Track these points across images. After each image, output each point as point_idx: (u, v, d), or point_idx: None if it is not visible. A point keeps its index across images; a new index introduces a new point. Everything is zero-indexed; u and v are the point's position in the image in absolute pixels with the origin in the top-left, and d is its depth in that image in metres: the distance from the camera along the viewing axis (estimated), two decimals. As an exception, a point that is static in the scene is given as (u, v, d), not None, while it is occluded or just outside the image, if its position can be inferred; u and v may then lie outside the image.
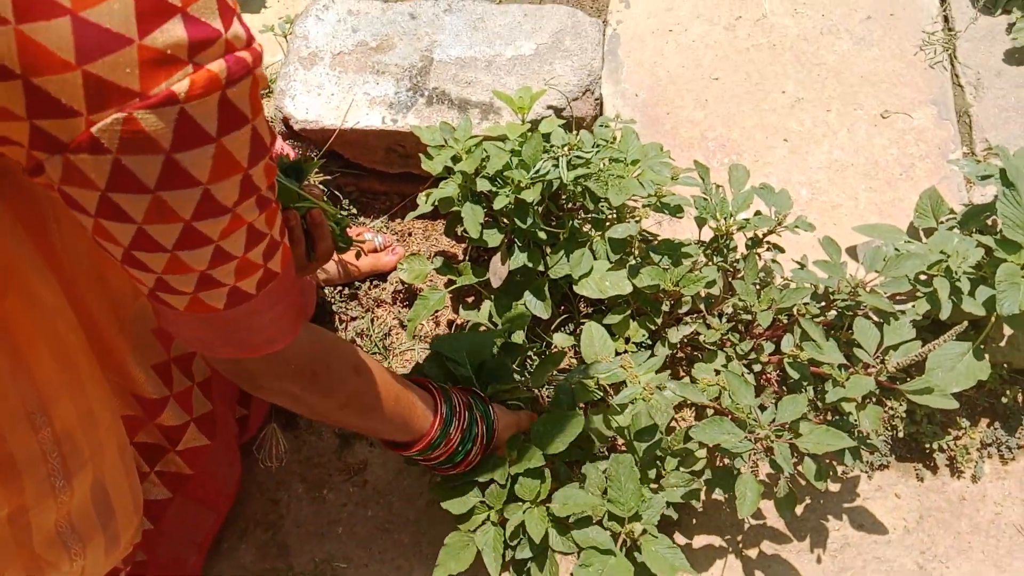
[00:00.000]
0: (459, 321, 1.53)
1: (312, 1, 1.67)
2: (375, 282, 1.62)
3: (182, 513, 1.27)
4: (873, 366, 1.11)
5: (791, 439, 1.09)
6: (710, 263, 1.32)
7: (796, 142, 1.60)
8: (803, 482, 1.31)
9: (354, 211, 1.66)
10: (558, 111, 1.53)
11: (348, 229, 1.65)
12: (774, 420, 1.09)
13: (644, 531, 1.07)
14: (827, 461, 1.19)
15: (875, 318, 1.25)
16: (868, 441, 1.15)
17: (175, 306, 0.66)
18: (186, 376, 1.13)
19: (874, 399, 1.24)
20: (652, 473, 1.18)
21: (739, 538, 1.31)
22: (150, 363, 1.04)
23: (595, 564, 1.04)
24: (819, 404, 1.25)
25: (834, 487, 1.33)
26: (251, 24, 1.92)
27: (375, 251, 1.62)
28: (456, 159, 1.33)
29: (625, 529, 1.08)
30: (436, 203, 1.35)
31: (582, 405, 1.28)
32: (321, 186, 1.65)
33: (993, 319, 1.22)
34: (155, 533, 1.25)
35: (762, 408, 1.14)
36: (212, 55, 0.53)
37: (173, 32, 0.50)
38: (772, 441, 1.07)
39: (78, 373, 0.83)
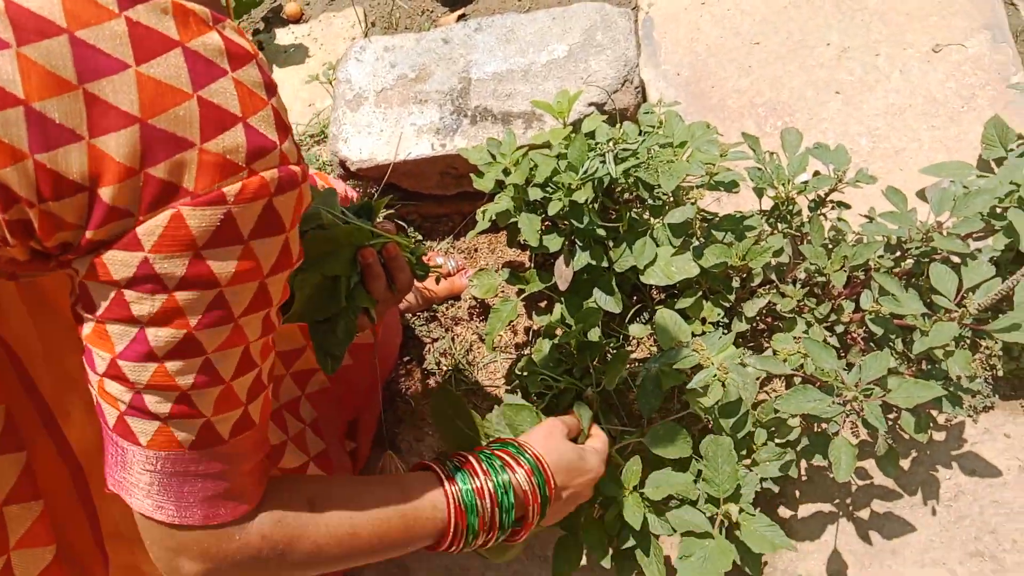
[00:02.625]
0: (535, 327, 1.56)
1: (349, 45, 1.74)
2: (451, 303, 1.67)
3: None
4: (955, 311, 1.08)
5: (881, 396, 1.07)
6: (775, 232, 1.31)
7: (849, 93, 1.56)
8: (905, 436, 1.29)
9: (420, 237, 1.71)
10: (600, 106, 1.55)
11: (423, 257, 1.72)
12: (859, 380, 1.08)
13: (741, 510, 1.07)
14: (926, 412, 1.16)
15: (955, 260, 1.22)
16: (965, 386, 1.12)
17: (137, 439, 0.61)
18: (297, 419, 1.19)
19: (966, 343, 1.21)
20: (744, 451, 1.18)
21: (848, 501, 1.29)
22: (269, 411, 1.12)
23: (696, 551, 1.05)
24: (909, 356, 1.22)
25: (939, 436, 1.30)
26: (297, 75, 2.01)
27: (449, 275, 1.67)
28: (506, 172, 1.36)
29: (722, 510, 1.08)
30: (493, 218, 1.39)
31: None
32: (390, 221, 1.71)
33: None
34: None
35: (848, 368, 1.12)
36: (267, 164, 0.55)
37: (234, 138, 0.53)
38: (861, 401, 1.06)
39: None
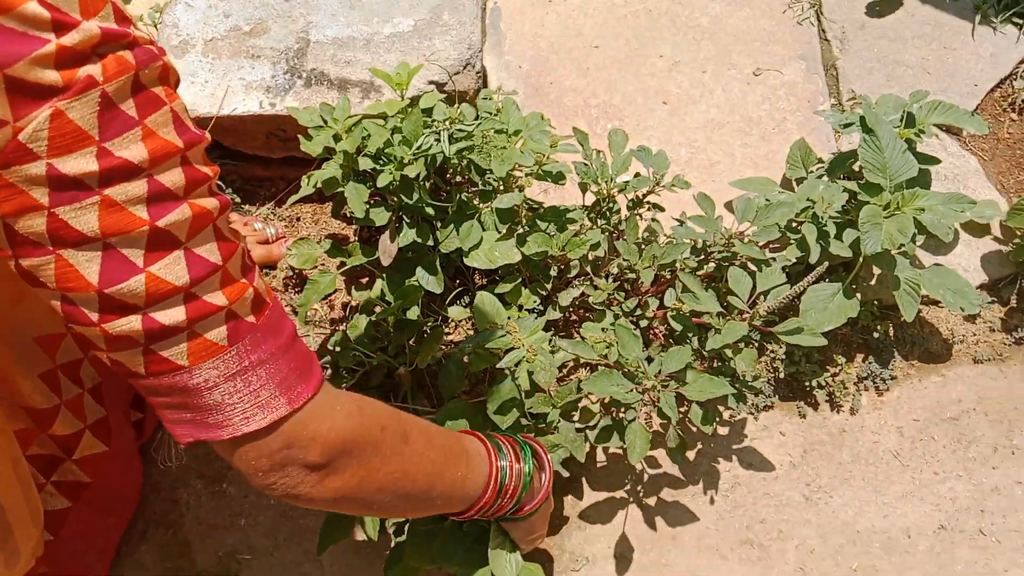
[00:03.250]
0: (353, 303, 1.53)
1: (181, -14, 1.63)
2: (266, 271, 1.60)
3: (83, 522, 1.25)
4: (747, 312, 1.16)
5: (677, 388, 1.14)
6: (594, 227, 1.36)
7: (675, 104, 1.65)
8: (693, 428, 1.37)
9: (238, 200, 1.64)
10: (440, 86, 1.54)
11: (233, 215, 1.64)
12: (660, 372, 1.14)
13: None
14: (713, 407, 1.24)
15: (752, 267, 1.31)
16: (750, 384, 1.21)
17: (179, 364, 0.60)
18: (75, 383, 1.10)
19: (755, 344, 1.31)
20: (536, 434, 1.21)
21: (639, 488, 1.36)
22: (36, 372, 1.02)
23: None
24: (703, 353, 1.30)
25: (724, 431, 1.40)
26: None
27: (266, 241, 1.60)
28: (336, 139, 1.33)
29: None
30: (319, 185, 1.35)
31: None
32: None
33: (861, 259, 1.29)
34: (56, 544, 1.22)
35: (649, 360, 1.18)
36: (121, 46, 0.56)
37: (87, 31, 0.53)
38: (659, 391, 1.12)
39: None
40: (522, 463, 0.97)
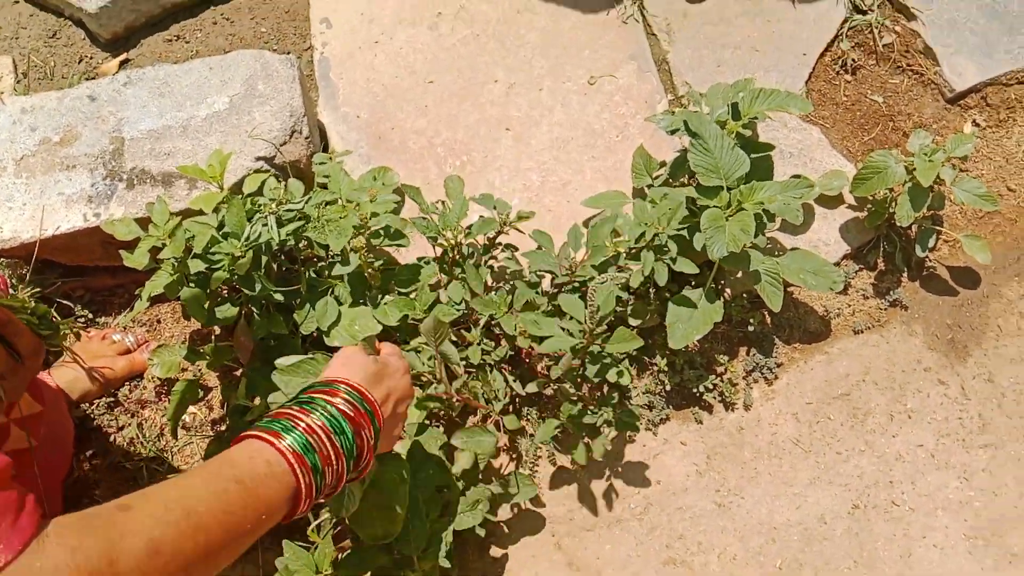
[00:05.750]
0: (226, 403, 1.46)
1: (-23, 107, 1.53)
2: (136, 383, 1.52)
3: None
4: (586, 330, 1.12)
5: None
6: (452, 278, 1.31)
7: (518, 129, 1.61)
8: (599, 459, 1.34)
9: (88, 315, 1.54)
10: (270, 160, 1.47)
11: (90, 331, 1.55)
12: (533, 446, 1.10)
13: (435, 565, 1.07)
14: (594, 438, 1.22)
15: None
16: (627, 407, 1.18)
17: None
18: None
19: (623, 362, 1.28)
20: (438, 507, 1.17)
21: (553, 533, 1.33)
22: None
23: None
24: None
25: (628, 453, 1.37)
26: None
27: (127, 352, 1.52)
28: (161, 247, 1.25)
29: (417, 574, 1.07)
30: (157, 293, 1.27)
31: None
32: (50, 300, 1.52)
33: (716, 264, 1.27)
34: None
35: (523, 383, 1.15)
36: None
37: None
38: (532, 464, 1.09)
39: None
40: (337, 444, 0.81)
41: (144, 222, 1.29)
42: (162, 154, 1.46)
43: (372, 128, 1.66)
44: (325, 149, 1.66)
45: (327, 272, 1.35)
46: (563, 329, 1.14)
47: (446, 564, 1.11)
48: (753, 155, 1.29)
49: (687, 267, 1.19)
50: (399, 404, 0.95)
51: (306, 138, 1.51)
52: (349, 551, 1.14)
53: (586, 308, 1.06)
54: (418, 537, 1.10)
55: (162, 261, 1.27)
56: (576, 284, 1.22)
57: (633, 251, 1.23)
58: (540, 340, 1.21)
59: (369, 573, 1.12)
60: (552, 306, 1.22)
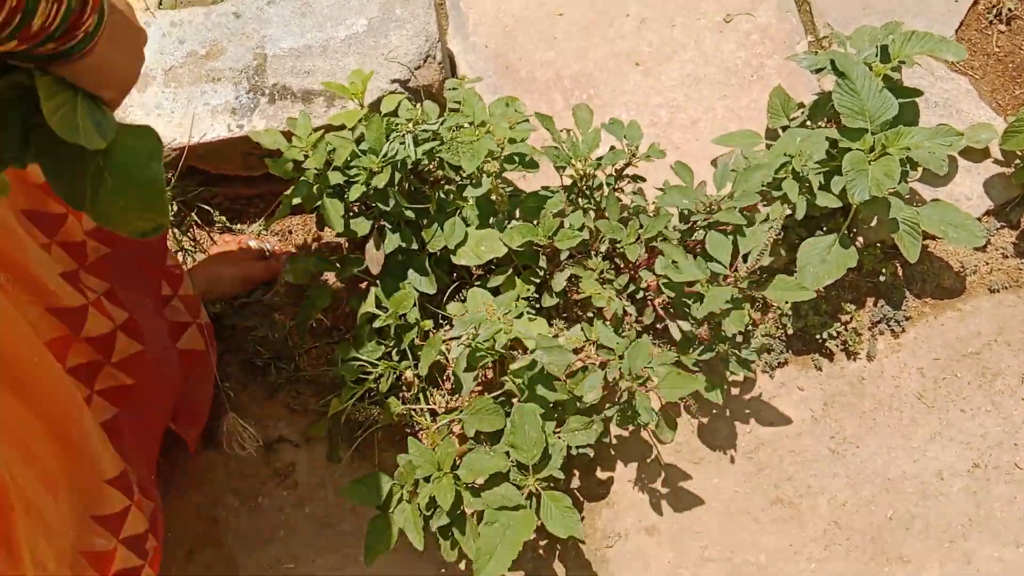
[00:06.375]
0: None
1: (133, 18, 1.60)
2: (267, 288, 1.60)
3: (132, 430, 1.19)
4: (730, 276, 1.12)
5: (651, 388, 1.12)
6: (577, 208, 1.32)
7: (648, 64, 1.60)
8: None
9: (225, 220, 1.62)
10: (404, 83, 1.50)
11: (226, 236, 1.63)
12: (630, 370, 1.12)
13: (547, 484, 1.10)
14: (719, 373, 1.22)
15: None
16: (742, 357, 1.18)
17: None
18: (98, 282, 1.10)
19: (749, 305, 1.27)
20: (554, 421, 1.20)
21: (660, 460, 1.34)
22: (57, 272, 1.00)
23: (500, 520, 1.07)
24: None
25: (738, 391, 1.37)
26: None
27: (264, 257, 1.59)
28: (304, 156, 1.30)
29: (530, 480, 1.11)
30: (297, 202, 1.33)
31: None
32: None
33: (853, 208, 1.24)
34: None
35: (645, 332, 1.16)
36: None
37: None
38: (635, 390, 1.10)
39: None
40: None
41: (286, 135, 1.34)
42: (302, 72, 1.51)
43: (500, 59, 1.67)
44: (454, 76, 1.68)
45: (455, 194, 1.38)
46: (711, 273, 1.14)
47: (560, 476, 1.15)
48: (899, 100, 1.25)
49: (829, 201, 1.17)
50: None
51: (439, 64, 1.53)
52: (468, 451, 1.19)
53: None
54: (536, 446, 1.13)
55: (303, 172, 1.32)
56: (710, 223, 1.21)
57: (771, 184, 1.21)
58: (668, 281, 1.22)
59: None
60: (682, 244, 1.21)
